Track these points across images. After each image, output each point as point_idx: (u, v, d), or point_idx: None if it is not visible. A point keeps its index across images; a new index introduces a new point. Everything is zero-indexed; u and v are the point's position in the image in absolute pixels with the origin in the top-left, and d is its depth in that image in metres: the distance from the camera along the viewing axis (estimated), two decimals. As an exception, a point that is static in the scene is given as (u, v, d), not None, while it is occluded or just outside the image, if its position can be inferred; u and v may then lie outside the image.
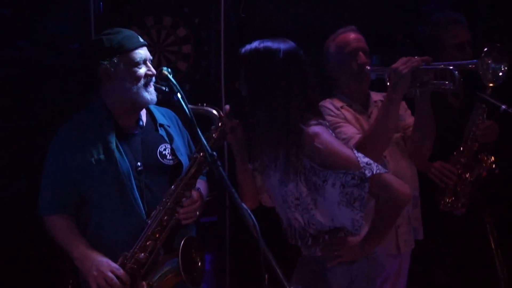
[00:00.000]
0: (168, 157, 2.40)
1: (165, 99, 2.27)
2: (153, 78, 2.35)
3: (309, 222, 2.27)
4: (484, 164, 2.89)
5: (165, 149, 2.41)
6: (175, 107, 2.13)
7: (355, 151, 2.22)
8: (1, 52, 3.19)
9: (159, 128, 2.45)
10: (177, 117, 2.54)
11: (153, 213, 2.29)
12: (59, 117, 2.58)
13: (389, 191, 2.18)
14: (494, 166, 2.89)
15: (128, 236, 2.28)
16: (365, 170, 2.15)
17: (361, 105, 2.81)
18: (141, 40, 2.37)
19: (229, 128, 2.33)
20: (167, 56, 3.56)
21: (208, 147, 1.97)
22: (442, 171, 2.86)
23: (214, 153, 1.95)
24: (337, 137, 2.52)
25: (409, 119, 2.82)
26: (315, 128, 2.19)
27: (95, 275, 2.23)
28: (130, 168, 2.31)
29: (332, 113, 2.70)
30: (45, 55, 3.27)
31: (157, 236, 2.27)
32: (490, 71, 2.49)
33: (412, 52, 2.62)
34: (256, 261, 1.76)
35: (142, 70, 2.33)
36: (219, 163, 1.93)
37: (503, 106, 2.73)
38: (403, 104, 2.81)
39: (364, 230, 2.28)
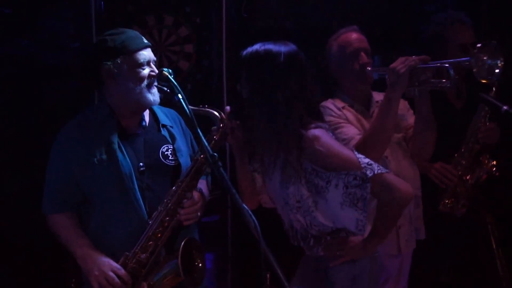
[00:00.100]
0: (170, 157, 2.40)
1: (168, 99, 2.27)
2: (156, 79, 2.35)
3: (311, 223, 2.28)
4: (484, 167, 2.90)
5: (167, 150, 2.41)
6: (178, 107, 2.14)
7: (356, 152, 2.23)
8: (1, 50, 3.19)
9: (161, 128, 2.45)
10: (180, 118, 2.54)
11: (154, 213, 2.29)
12: (60, 116, 2.58)
13: (391, 190, 2.20)
14: (494, 169, 2.89)
15: (129, 236, 2.29)
16: (366, 170, 2.17)
17: (363, 106, 2.80)
18: (145, 41, 2.36)
19: (229, 129, 2.33)
20: (169, 55, 3.56)
21: (209, 148, 1.98)
22: (443, 172, 2.86)
23: (215, 154, 1.95)
24: (338, 137, 2.53)
25: (411, 119, 2.82)
26: (315, 132, 2.20)
27: (96, 275, 2.24)
28: (132, 168, 2.31)
29: (334, 114, 2.70)
30: (46, 54, 3.28)
31: (158, 236, 2.27)
32: (486, 67, 2.49)
33: (414, 51, 2.62)
34: (258, 260, 1.76)
35: (146, 71, 2.32)
36: (220, 164, 1.93)
37: (505, 107, 2.72)
38: (406, 104, 2.81)
39: (367, 230, 2.29)
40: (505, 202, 3.25)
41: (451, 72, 2.43)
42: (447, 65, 2.44)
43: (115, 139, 2.32)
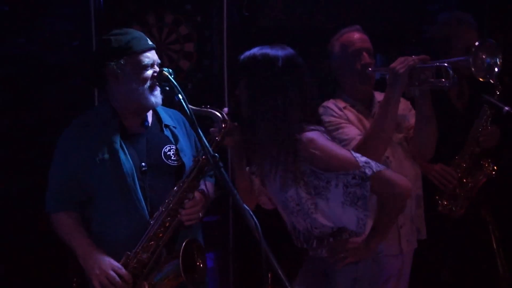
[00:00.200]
0: (172, 157, 2.41)
1: (170, 100, 2.27)
2: None
3: (312, 225, 2.29)
4: (485, 170, 2.90)
5: (169, 150, 2.41)
6: (180, 108, 2.13)
7: (352, 152, 2.24)
8: (0, 49, 3.17)
9: (164, 129, 2.46)
10: (184, 119, 2.53)
11: (155, 214, 2.30)
12: (60, 115, 2.58)
13: (391, 185, 2.21)
14: (493, 173, 2.90)
15: (130, 236, 2.29)
16: (364, 169, 2.18)
17: (365, 106, 2.79)
18: (150, 42, 2.36)
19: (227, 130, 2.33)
20: (169, 54, 3.53)
21: (210, 149, 1.98)
22: (443, 174, 2.87)
23: (216, 154, 1.95)
24: (338, 138, 2.54)
25: (413, 120, 2.80)
26: (310, 134, 2.21)
27: (97, 274, 2.25)
28: (134, 168, 2.32)
29: (335, 114, 2.69)
30: (45, 52, 3.26)
31: (159, 236, 2.28)
32: (485, 66, 2.49)
33: (418, 51, 2.62)
34: (259, 260, 1.76)
35: (149, 72, 2.33)
36: (221, 164, 1.93)
37: (506, 108, 2.73)
38: (408, 104, 2.80)
39: (367, 228, 2.30)
40: (505, 202, 3.25)
41: (450, 71, 2.42)
42: (446, 64, 2.44)
43: (117, 139, 2.33)
